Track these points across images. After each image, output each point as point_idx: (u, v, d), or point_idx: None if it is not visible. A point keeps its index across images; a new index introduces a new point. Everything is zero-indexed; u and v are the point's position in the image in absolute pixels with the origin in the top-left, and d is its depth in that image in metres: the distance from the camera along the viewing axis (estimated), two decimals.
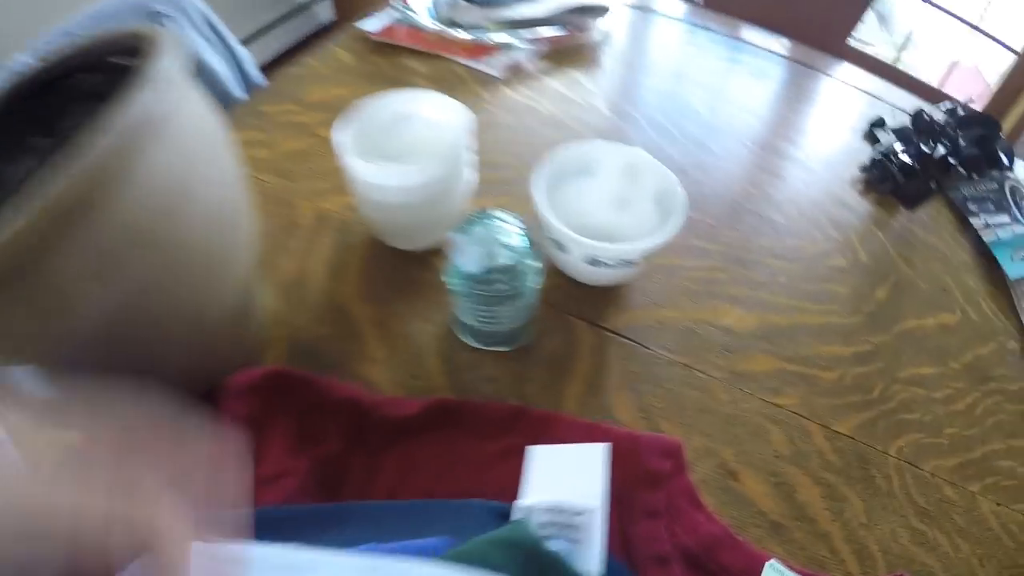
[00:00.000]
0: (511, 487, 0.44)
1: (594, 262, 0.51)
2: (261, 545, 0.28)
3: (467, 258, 0.43)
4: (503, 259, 0.43)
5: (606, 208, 0.59)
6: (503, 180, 0.65)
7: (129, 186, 0.29)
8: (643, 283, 0.57)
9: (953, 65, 1.21)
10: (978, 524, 0.49)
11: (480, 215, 0.45)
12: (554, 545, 0.38)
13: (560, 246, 0.52)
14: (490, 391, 0.49)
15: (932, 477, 0.51)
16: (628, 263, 0.51)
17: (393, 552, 0.34)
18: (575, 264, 0.52)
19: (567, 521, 0.38)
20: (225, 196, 0.38)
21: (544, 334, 0.53)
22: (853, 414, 0.53)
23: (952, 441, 0.54)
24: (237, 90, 0.90)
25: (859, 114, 0.85)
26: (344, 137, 0.51)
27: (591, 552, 0.38)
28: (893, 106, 0.88)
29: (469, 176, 0.56)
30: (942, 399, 0.56)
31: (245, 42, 0.99)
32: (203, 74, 0.84)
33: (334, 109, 0.53)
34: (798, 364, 0.55)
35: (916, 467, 0.51)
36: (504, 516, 0.41)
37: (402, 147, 0.55)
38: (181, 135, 0.32)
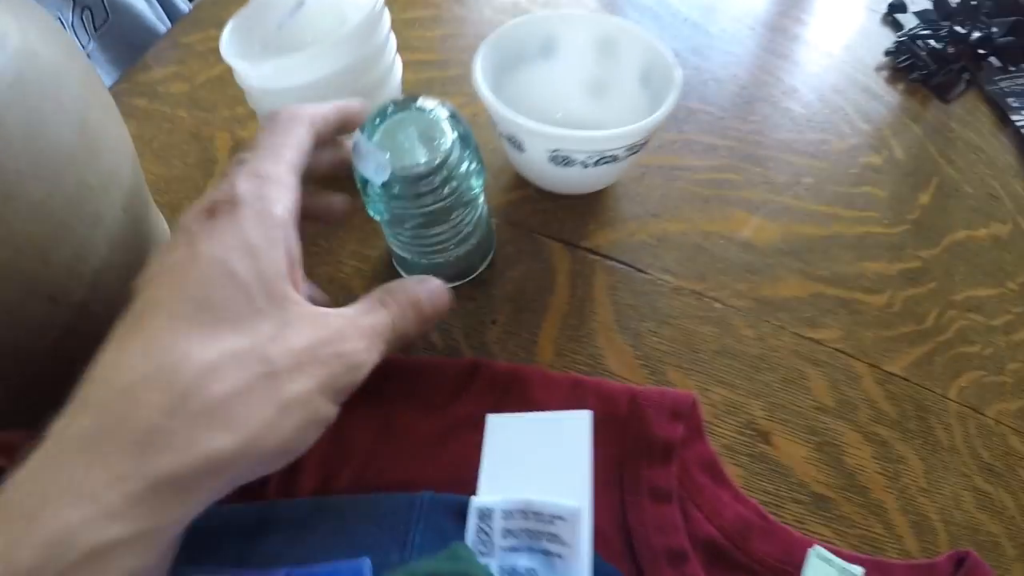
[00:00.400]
0: (466, 471, 0.31)
1: (562, 160, 0.36)
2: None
3: (375, 165, 0.29)
4: (422, 158, 0.29)
5: (577, 95, 0.45)
6: (450, 79, 0.50)
7: None
8: (635, 189, 0.43)
9: None
10: None
11: (390, 107, 0.30)
12: (524, 560, 0.25)
13: (516, 143, 0.37)
14: (440, 344, 0.36)
15: (996, 424, 0.40)
16: (608, 158, 0.36)
17: None
18: (538, 166, 0.38)
19: (542, 528, 0.25)
20: (70, 138, 0.29)
21: (507, 262, 0.38)
22: (906, 349, 0.41)
23: (1016, 379, 0.43)
24: (161, 26, 0.77)
25: None
26: (226, 36, 0.36)
27: (575, 569, 0.25)
28: None
29: (394, 71, 0.41)
30: (1002, 327, 0.45)
31: None
32: (121, 13, 0.73)
33: None
34: (837, 286, 0.42)
35: (980, 413, 0.40)
36: (463, 514, 0.28)
37: (302, 39, 0.40)
38: None
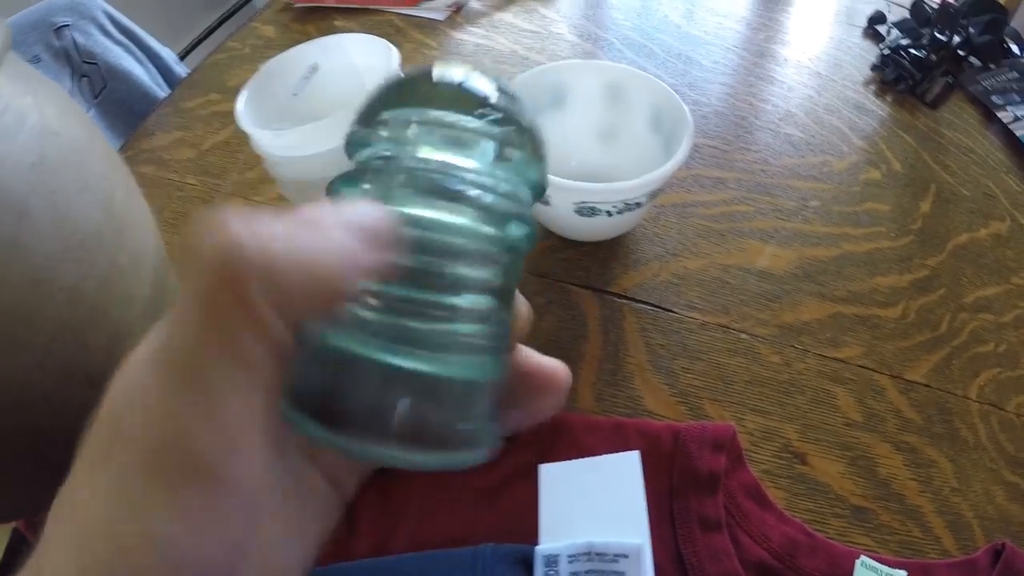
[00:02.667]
0: (521, 521, 0.32)
1: (588, 211, 0.38)
2: None
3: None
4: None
5: (589, 143, 0.46)
6: None
7: None
8: (652, 230, 0.45)
9: None
10: None
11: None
12: None
13: (543, 199, 0.39)
14: None
15: (1018, 417, 0.41)
16: (631, 206, 0.38)
17: None
18: (563, 218, 0.40)
19: (606, 567, 0.27)
20: (98, 218, 0.28)
21: (538, 312, 0.40)
22: (924, 356, 0.42)
23: None
24: (159, 91, 0.80)
25: (849, 9, 0.72)
26: (241, 104, 0.38)
27: None
28: None
29: None
30: (1012, 323, 0.46)
31: (179, 39, 0.88)
32: (118, 80, 0.77)
33: None
34: (853, 304, 0.43)
35: (1001, 409, 0.41)
36: (525, 562, 0.29)
37: (318, 106, 0.41)
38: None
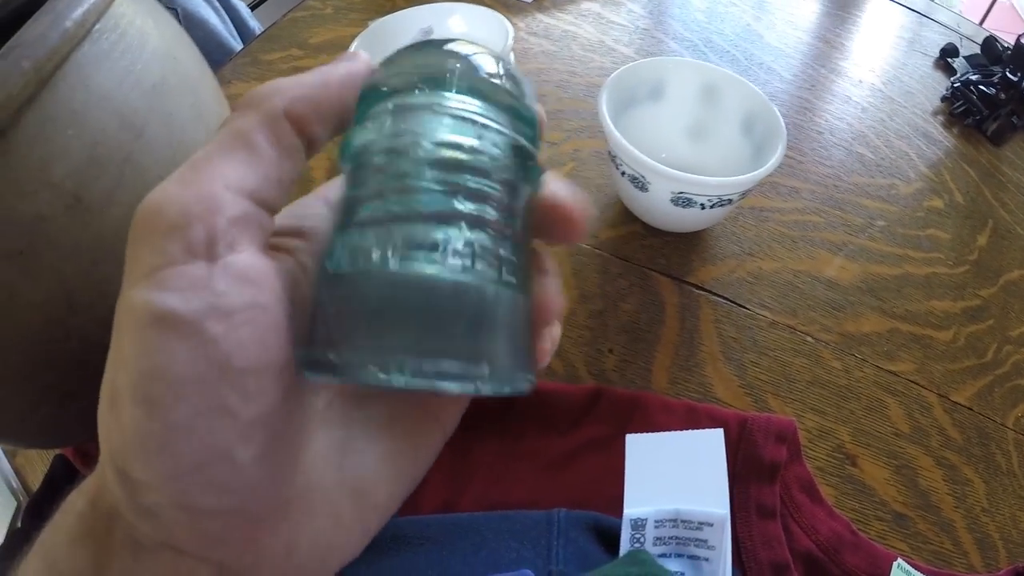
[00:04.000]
0: (594, 490, 0.33)
1: (683, 201, 0.39)
2: None
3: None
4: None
5: (679, 138, 0.47)
6: (549, 113, 0.52)
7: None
8: (731, 229, 0.46)
9: (988, 7, 1.08)
10: None
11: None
12: (673, 564, 0.28)
13: (639, 183, 0.40)
14: (559, 369, 0.38)
15: None
16: (724, 202, 0.39)
17: None
18: (657, 206, 0.41)
19: (690, 535, 0.28)
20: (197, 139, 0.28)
21: (620, 294, 0.41)
22: (969, 381, 0.44)
23: None
24: (234, 42, 0.79)
25: (915, 36, 0.72)
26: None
27: (720, 570, 0.28)
28: (945, 27, 0.75)
29: None
30: None
31: None
32: (194, 27, 0.76)
33: (344, 47, 0.40)
34: (910, 323, 0.45)
35: None
36: (597, 529, 0.31)
37: None
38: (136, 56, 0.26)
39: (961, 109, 0.62)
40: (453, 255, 0.14)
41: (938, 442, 0.41)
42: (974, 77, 0.64)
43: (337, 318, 0.14)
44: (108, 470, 0.13)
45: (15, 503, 0.36)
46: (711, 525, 0.28)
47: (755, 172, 0.38)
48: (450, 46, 0.16)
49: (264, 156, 0.14)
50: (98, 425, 0.13)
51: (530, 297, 0.16)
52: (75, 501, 0.14)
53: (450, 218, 0.14)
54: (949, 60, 0.68)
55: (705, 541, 0.28)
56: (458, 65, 0.16)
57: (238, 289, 0.13)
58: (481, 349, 0.14)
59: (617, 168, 0.41)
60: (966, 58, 0.68)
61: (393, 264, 0.13)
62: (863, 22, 0.71)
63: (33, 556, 0.14)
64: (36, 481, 0.36)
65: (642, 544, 0.29)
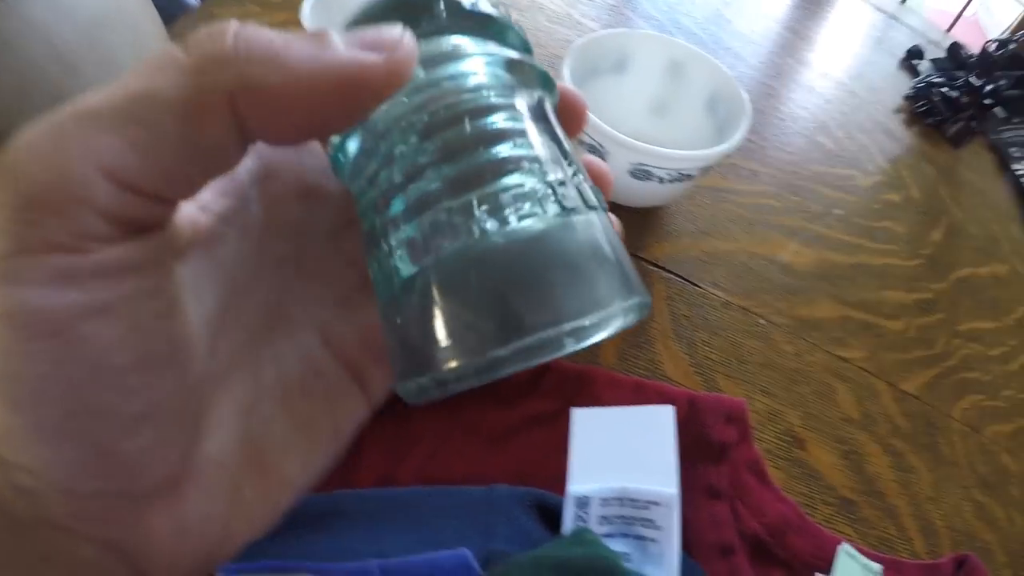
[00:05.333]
0: (537, 467, 0.32)
1: (643, 174, 0.39)
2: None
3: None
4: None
5: (641, 113, 0.47)
6: None
7: None
8: (687, 207, 0.45)
9: (955, 18, 1.12)
10: None
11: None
12: (618, 545, 0.27)
13: (598, 152, 0.39)
14: None
15: (992, 444, 0.44)
16: (683, 176, 0.39)
17: (409, 573, 0.22)
18: (615, 177, 0.40)
19: (637, 515, 0.27)
20: None
21: None
22: (918, 371, 0.44)
23: (1009, 405, 0.46)
24: None
25: (886, 36, 0.74)
26: (306, 11, 0.37)
27: (668, 553, 0.27)
28: (913, 29, 0.77)
29: None
30: (998, 357, 0.48)
31: None
32: None
33: None
34: (863, 311, 0.45)
35: (978, 432, 0.44)
36: (539, 507, 0.30)
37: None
38: None
39: (923, 109, 0.64)
40: (532, 202, 0.12)
41: (886, 429, 0.41)
42: (938, 80, 0.66)
43: (434, 325, 0.12)
44: None
45: None
46: (659, 505, 0.27)
47: (717, 148, 0.37)
48: None
49: (168, 145, 0.11)
50: None
51: (606, 214, 0.15)
52: None
53: (502, 167, 0.13)
54: (914, 62, 0.70)
55: (652, 522, 0.27)
56: (429, 9, 0.14)
57: (111, 284, 0.11)
58: (608, 283, 0.13)
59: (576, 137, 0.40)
60: (931, 61, 0.70)
61: (477, 234, 0.12)
62: (832, 17, 0.72)
63: None
64: None
65: (586, 523, 0.28)
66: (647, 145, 0.36)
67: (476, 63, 0.14)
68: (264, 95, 0.11)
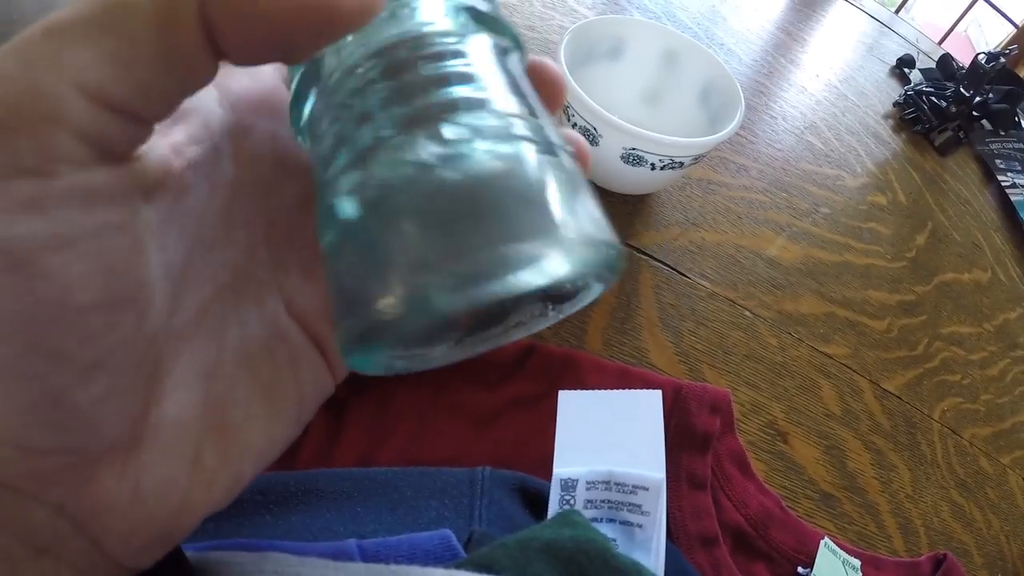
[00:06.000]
0: (520, 450, 0.32)
1: (634, 159, 0.38)
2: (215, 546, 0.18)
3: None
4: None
5: (634, 101, 0.46)
6: None
7: None
8: (677, 198, 0.45)
9: (946, 32, 1.14)
10: (1007, 499, 0.43)
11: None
12: (604, 530, 0.27)
13: (591, 136, 0.39)
14: None
15: (970, 446, 0.44)
16: (675, 164, 0.39)
17: (388, 553, 0.21)
18: (606, 161, 0.39)
19: (624, 499, 0.27)
20: None
21: None
22: (900, 371, 0.45)
23: (987, 409, 0.47)
24: None
25: (878, 43, 0.75)
26: None
27: (655, 539, 0.27)
28: (905, 39, 0.78)
29: None
30: (978, 362, 0.49)
31: None
32: None
33: None
34: (846, 309, 0.45)
35: (957, 434, 0.44)
36: (523, 490, 0.29)
37: None
38: None
39: (911, 116, 0.64)
40: (483, 138, 0.12)
41: (867, 427, 0.41)
42: (927, 89, 0.67)
43: (374, 265, 0.11)
44: None
45: None
46: (646, 489, 0.27)
47: (711, 136, 0.37)
48: None
49: (145, 57, 0.10)
50: None
51: (576, 161, 0.14)
52: None
53: (453, 106, 0.12)
54: (905, 70, 0.71)
55: (639, 507, 0.27)
56: None
57: (83, 213, 0.10)
58: (565, 222, 0.11)
59: (568, 120, 0.40)
60: (921, 71, 0.71)
61: (423, 168, 0.11)
62: (826, 22, 0.73)
63: None
64: None
65: (572, 506, 0.27)
66: (641, 130, 0.36)
67: (437, 8, 0.13)
68: (233, 4, 0.10)
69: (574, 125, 0.39)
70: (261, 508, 0.25)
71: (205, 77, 0.12)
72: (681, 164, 0.38)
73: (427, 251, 0.11)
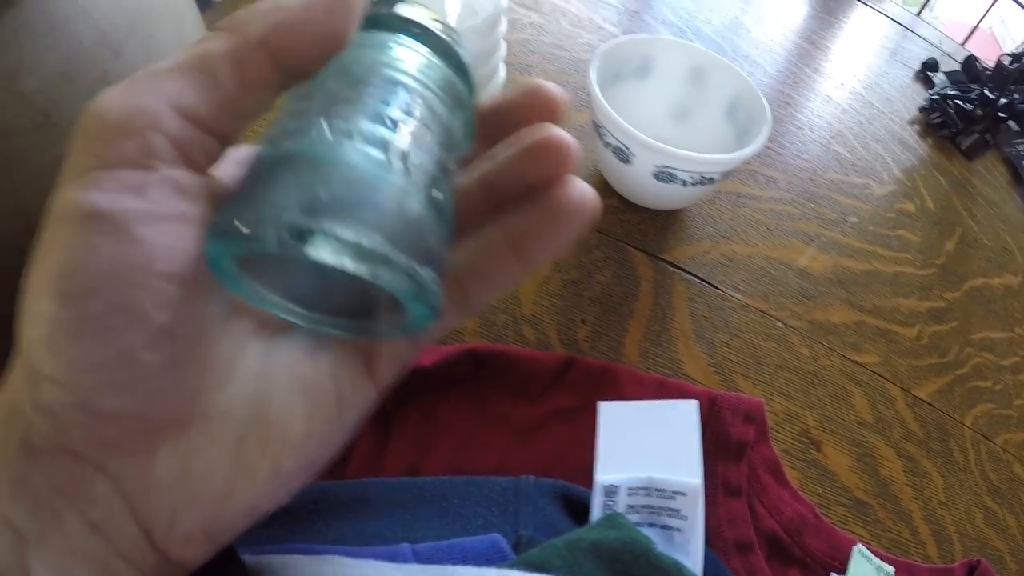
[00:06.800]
0: (560, 459, 0.33)
1: (666, 176, 0.40)
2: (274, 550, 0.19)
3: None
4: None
5: (663, 118, 0.48)
6: None
7: None
8: (708, 211, 0.46)
9: (971, 30, 1.13)
10: None
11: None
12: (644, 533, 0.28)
13: (623, 155, 0.40)
14: (531, 336, 0.38)
15: (1003, 452, 0.45)
16: (705, 180, 0.40)
17: (441, 556, 0.23)
18: (639, 179, 0.41)
19: (663, 504, 0.28)
20: None
21: (596, 266, 0.41)
22: (931, 378, 0.45)
23: (1020, 414, 0.47)
24: None
25: (901, 47, 0.75)
26: None
27: (692, 542, 0.28)
28: (928, 41, 0.78)
29: (499, 70, 0.44)
30: (1010, 367, 0.49)
31: None
32: None
33: None
34: (877, 317, 0.46)
35: (990, 440, 0.44)
36: (565, 498, 0.30)
37: None
38: None
39: (937, 121, 0.65)
40: (361, 141, 0.14)
41: (899, 434, 0.42)
42: (952, 92, 0.67)
43: (250, 187, 0.14)
44: (18, 365, 0.13)
45: None
46: (684, 495, 0.28)
47: (739, 152, 0.39)
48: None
49: (223, 86, 0.14)
50: (20, 319, 0.13)
51: (448, 229, 0.16)
52: None
53: (376, 116, 0.15)
54: (929, 74, 0.71)
55: (678, 511, 0.28)
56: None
57: (169, 199, 0.13)
58: (393, 240, 0.13)
59: (601, 139, 0.41)
60: (946, 74, 0.71)
61: (312, 141, 0.14)
62: (848, 28, 0.73)
63: None
64: None
65: (614, 511, 0.28)
66: (672, 148, 0.37)
67: (408, 55, 0.16)
68: (285, 32, 0.14)
69: (607, 145, 0.41)
70: (313, 516, 0.27)
71: (273, 92, 0.15)
72: (711, 180, 0.40)
73: (283, 200, 0.13)
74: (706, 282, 0.42)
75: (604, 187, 0.45)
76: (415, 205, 0.14)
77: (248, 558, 0.17)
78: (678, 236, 0.44)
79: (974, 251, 0.56)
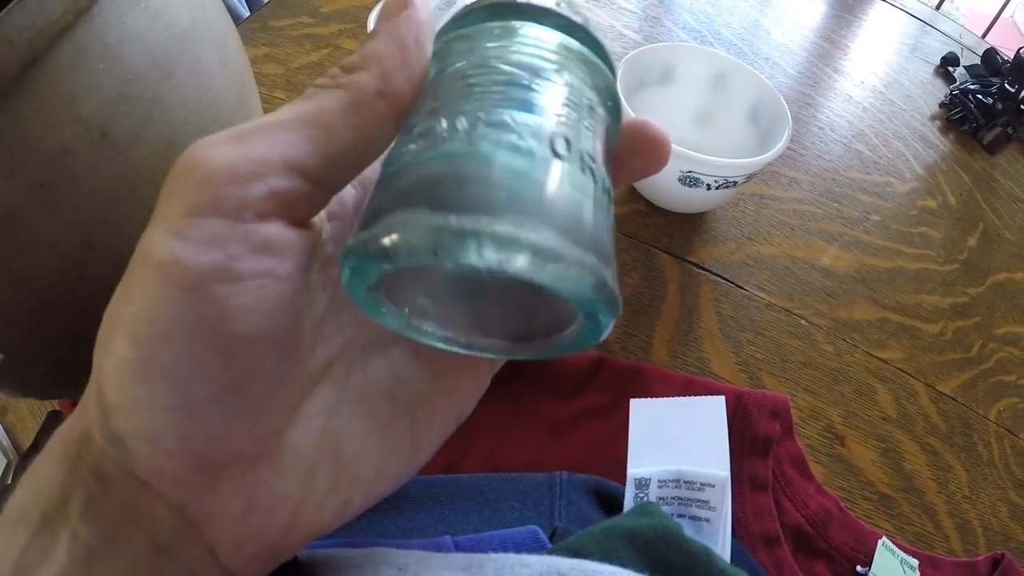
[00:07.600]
0: (593, 456, 0.35)
1: (691, 181, 0.41)
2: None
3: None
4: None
5: (687, 123, 0.49)
6: None
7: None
8: (732, 213, 0.48)
9: (992, 20, 1.12)
10: None
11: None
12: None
13: None
14: None
15: None
16: (729, 184, 0.41)
17: (482, 547, 0.25)
18: (664, 184, 0.42)
19: (693, 496, 0.30)
20: (231, 96, 0.29)
21: (624, 269, 0.43)
22: (955, 373, 0.46)
23: None
24: (241, 8, 0.78)
25: (920, 43, 0.75)
26: (372, 22, 0.40)
27: (720, 532, 0.30)
28: (947, 35, 0.78)
29: None
30: None
31: None
32: None
33: (355, 18, 0.41)
34: (900, 314, 0.47)
35: (1014, 435, 0.45)
36: (598, 493, 0.32)
37: None
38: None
39: (958, 116, 0.65)
40: (526, 137, 0.12)
41: (923, 429, 0.43)
42: (973, 86, 0.67)
43: (391, 201, 0.13)
44: (90, 392, 0.14)
45: (5, 461, 0.37)
46: (713, 486, 0.30)
47: (762, 156, 0.40)
48: None
49: (339, 140, 0.14)
50: (95, 348, 0.14)
51: (611, 210, 0.14)
52: (62, 426, 0.15)
53: (522, 106, 0.13)
54: (949, 68, 0.71)
55: (707, 502, 0.30)
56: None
57: (254, 257, 0.13)
58: (571, 243, 0.12)
59: None
60: (966, 68, 0.71)
61: (462, 140, 0.12)
62: (867, 26, 0.74)
63: (23, 478, 0.15)
64: (26, 441, 0.37)
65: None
66: (696, 153, 0.39)
67: (542, 32, 0.15)
68: (395, 78, 0.14)
69: None
70: None
71: (389, 138, 0.15)
72: (735, 183, 0.41)
73: (432, 204, 0.12)
74: (731, 283, 0.44)
75: (631, 193, 0.47)
76: (586, 198, 0.12)
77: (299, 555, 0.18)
78: (703, 238, 0.45)
79: (997, 246, 0.56)
